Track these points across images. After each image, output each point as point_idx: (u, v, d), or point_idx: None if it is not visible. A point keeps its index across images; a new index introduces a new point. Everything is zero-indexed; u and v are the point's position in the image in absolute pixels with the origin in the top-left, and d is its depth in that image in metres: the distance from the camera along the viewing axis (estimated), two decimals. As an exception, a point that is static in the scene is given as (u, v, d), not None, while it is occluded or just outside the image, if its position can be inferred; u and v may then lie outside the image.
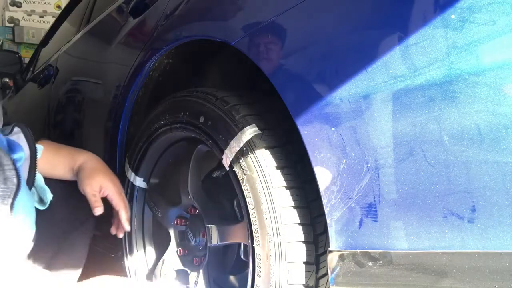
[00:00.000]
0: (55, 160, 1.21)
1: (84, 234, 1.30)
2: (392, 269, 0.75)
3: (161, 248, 1.40)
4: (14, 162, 0.91)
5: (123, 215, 1.24)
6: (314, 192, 0.90)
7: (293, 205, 0.92)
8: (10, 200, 0.88)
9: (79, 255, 1.29)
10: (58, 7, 5.11)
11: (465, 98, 0.66)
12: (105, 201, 1.27)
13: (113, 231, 1.30)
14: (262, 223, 0.93)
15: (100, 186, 1.20)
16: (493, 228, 0.66)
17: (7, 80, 3.33)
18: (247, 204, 0.96)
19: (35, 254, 0.97)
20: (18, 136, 1.07)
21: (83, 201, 1.19)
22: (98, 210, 1.18)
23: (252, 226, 0.95)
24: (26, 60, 3.35)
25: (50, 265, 1.21)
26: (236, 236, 1.09)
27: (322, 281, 0.95)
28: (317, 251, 0.93)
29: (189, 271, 1.25)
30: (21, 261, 0.94)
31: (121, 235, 1.30)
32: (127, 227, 1.26)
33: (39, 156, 1.10)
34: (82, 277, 1.37)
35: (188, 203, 1.26)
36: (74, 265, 1.27)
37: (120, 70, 1.49)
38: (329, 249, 0.82)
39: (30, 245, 0.94)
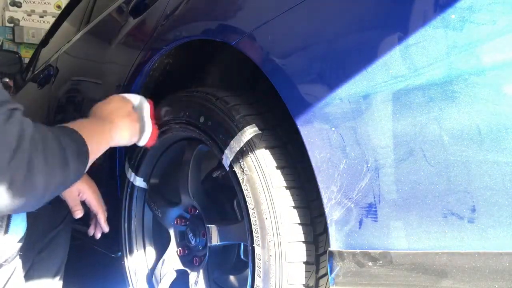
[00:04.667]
0: None
1: (65, 229, 1.33)
2: (392, 269, 0.75)
3: (161, 248, 1.40)
4: None
5: (101, 218, 1.30)
6: (314, 192, 0.90)
7: (293, 205, 0.92)
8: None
9: (62, 249, 1.32)
10: (58, 7, 5.11)
11: (465, 98, 0.66)
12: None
13: (91, 231, 1.35)
14: (262, 223, 0.93)
15: (78, 190, 1.25)
16: (493, 228, 0.66)
17: (7, 80, 3.33)
18: (247, 204, 0.96)
19: (25, 251, 0.97)
20: None
21: (63, 200, 1.24)
22: (78, 213, 1.24)
23: (252, 226, 0.95)
24: (26, 60, 3.36)
25: (36, 262, 1.24)
26: (236, 236, 1.09)
27: (322, 281, 0.95)
28: (317, 251, 0.93)
29: (189, 271, 1.25)
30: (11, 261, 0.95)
31: (98, 235, 1.34)
32: (106, 229, 1.32)
33: None
34: (77, 275, 1.38)
35: (188, 203, 1.26)
36: (58, 259, 1.31)
37: (120, 70, 1.49)
38: (329, 249, 0.82)
39: (19, 245, 0.94)
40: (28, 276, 1.22)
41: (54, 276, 1.29)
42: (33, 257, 1.22)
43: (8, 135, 0.76)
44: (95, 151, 0.98)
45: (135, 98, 1.21)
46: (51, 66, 2.29)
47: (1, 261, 0.92)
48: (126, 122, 1.12)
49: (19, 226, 0.93)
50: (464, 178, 0.67)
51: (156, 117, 1.25)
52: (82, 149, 0.93)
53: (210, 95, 1.09)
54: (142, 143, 1.19)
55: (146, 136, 1.18)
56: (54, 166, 0.84)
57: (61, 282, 1.31)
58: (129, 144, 1.16)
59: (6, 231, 0.89)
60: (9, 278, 0.96)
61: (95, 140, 0.98)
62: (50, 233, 1.27)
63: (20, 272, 1.00)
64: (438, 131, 0.68)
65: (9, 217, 0.90)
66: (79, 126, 0.96)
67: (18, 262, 0.98)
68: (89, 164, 0.97)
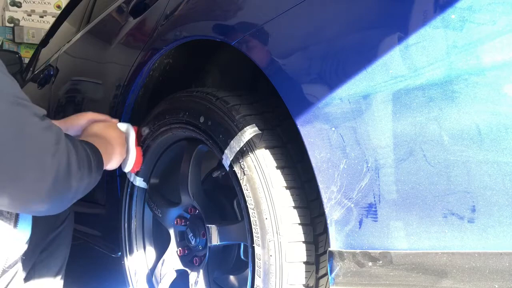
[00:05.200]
0: None
1: (67, 230, 1.33)
2: (392, 269, 0.75)
3: (161, 248, 1.40)
4: None
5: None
6: (314, 192, 0.90)
7: (293, 205, 0.92)
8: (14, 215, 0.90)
9: (63, 250, 1.32)
10: (58, 7, 5.11)
11: (465, 98, 0.66)
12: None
13: None
14: (262, 223, 0.93)
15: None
16: (493, 228, 0.66)
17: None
18: (247, 204, 0.96)
19: (26, 252, 0.97)
20: None
21: None
22: None
23: (252, 226, 0.95)
24: (26, 60, 3.36)
25: (37, 262, 1.23)
26: (236, 236, 1.09)
27: (322, 281, 0.95)
28: (317, 251, 0.93)
29: (189, 271, 1.25)
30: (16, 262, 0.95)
31: None
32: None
33: None
34: (77, 275, 1.38)
35: (188, 203, 1.26)
36: (60, 259, 1.31)
37: (120, 70, 1.49)
38: (329, 249, 0.82)
39: (25, 247, 0.95)
40: (30, 276, 1.22)
41: (55, 276, 1.29)
42: (34, 257, 1.22)
43: (47, 140, 0.83)
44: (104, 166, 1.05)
45: (122, 126, 1.28)
46: (51, 66, 2.29)
47: (6, 266, 0.92)
48: (121, 151, 1.20)
49: (26, 224, 0.93)
50: (464, 178, 0.67)
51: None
52: (100, 160, 1.00)
53: (210, 95, 1.09)
54: (127, 169, 1.26)
55: (130, 163, 1.25)
56: (83, 171, 0.90)
57: (62, 282, 1.31)
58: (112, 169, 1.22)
59: (15, 225, 0.90)
60: (10, 281, 0.96)
61: (107, 159, 1.06)
62: (52, 233, 1.28)
63: (21, 274, 1.00)
64: (438, 131, 0.68)
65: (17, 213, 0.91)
66: (100, 145, 1.04)
67: (19, 266, 0.98)
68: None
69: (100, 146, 1.05)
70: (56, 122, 1.23)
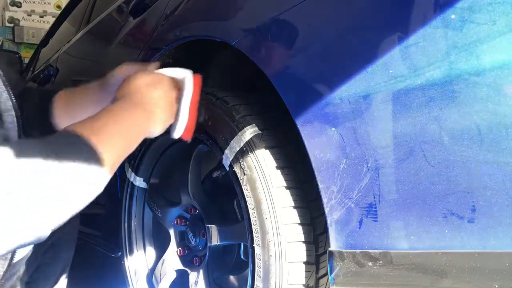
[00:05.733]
0: None
1: (71, 231, 1.31)
2: (392, 269, 0.75)
3: (161, 248, 1.40)
4: None
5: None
6: (314, 192, 0.90)
7: (293, 205, 0.92)
8: None
9: (67, 251, 1.31)
10: (58, 7, 5.11)
11: (465, 98, 0.66)
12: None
13: None
14: (262, 223, 0.93)
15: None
16: (493, 228, 0.66)
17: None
18: (247, 204, 0.96)
19: (30, 254, 0.97)
20: None
21: None
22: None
23: (252, 226, 0.95)
24: (26, 60, 3.36)
25: (41, 263, 1.23)
26: (236, 236, 1.09)
27: (322, 281, 0.95)
28: (317, 251, 0.93)
29: (189, 271, 1.25)
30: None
31: None
32: None
33: None
34: (77, 275, 1.38)
35: (188, 203, 1.26)
36: (63, 260, 1.30)
37: (120, 70, 1.49)
38: (329, 249, 0.82)
39: (28, 252, 0.95)
40: (34, 277, 1.21)
41: (59, 276, 1.28)
42: (38, 258, 1.22)
43: None
44: (122, 151, 0.82)
45: (178, 73, 1.00)
46: (51, 66, 2.29)
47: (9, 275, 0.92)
48: (166, 114, 0.92)
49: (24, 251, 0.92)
50: (464, 178, 0.67)
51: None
52: (92, 159, 0.74)
53: (210, 95, 1.09)
54: (176, 135, 0.98)
55: (179, 128, 0.97)
56: (44, 210, 0.68)
57: (65, 281, 1.31)
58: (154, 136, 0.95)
59: (12, 258, 0.89)
60: (13, 282, 0.96)
61: (124, 139, 0.82)
62: (56, 234, 1.27)
63: (24, 276, 0.99)
64: (438, 131, 0.68)
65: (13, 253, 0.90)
66: (102, 123, 0.79)
67: (23, 268, 0.97)
68: (116, 167, 0.80)
69: (129, 115, 0.84)
70: (89, 85, 1.05)
